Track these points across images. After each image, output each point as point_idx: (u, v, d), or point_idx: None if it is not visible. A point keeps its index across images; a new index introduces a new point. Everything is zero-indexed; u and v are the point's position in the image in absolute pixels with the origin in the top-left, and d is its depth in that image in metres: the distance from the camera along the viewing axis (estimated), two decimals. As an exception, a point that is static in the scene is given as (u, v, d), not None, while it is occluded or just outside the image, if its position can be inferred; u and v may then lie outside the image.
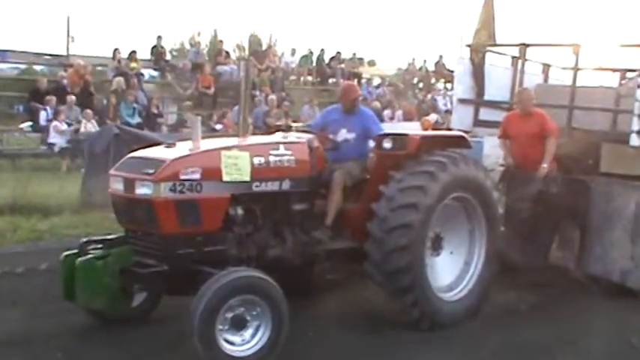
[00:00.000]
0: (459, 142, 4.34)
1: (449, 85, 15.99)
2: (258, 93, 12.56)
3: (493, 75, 6.71)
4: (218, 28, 17.78)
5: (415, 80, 16.34)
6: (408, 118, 12.18)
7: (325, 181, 4.07)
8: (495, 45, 6.89)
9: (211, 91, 12.19)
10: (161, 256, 3.50)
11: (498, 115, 6.03)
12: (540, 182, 4.83)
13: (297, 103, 14.11)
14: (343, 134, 4.37)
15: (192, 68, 12.48)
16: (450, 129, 6.23)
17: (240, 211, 3.71)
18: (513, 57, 6.84)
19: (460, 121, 6.42)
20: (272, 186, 3.82)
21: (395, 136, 4.09)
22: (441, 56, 16.85)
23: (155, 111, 10.83)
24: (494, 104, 6.58)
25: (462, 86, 6.73)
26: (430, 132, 4.88)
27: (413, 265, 3.84)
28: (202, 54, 13.92)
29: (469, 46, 6.98)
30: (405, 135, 4.09)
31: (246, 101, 4.07)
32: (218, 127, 10.81)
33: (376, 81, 16.33)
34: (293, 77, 14.78)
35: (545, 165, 4.84)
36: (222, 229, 3.64)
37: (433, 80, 16.67)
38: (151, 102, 10.89)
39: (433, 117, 12.26)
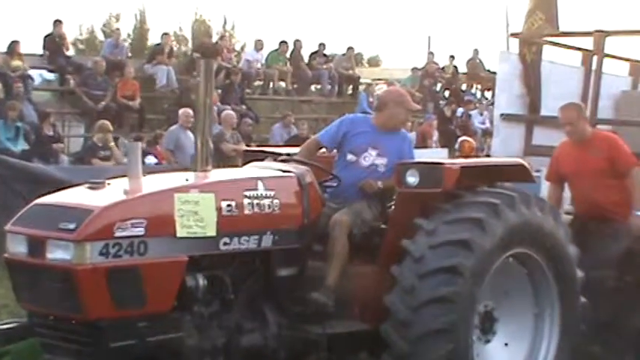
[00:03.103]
0: (517, 173, 4.45)
1: (489, 94, 16.60)
2: (205, 106, 12.78)
3: (554, 78, 7.03)
4: (146, 8, 18.12)
5: (438, 86, 16.77)
6: (422, 142, 12.47)
7: (322, 232, 4.20)
8: (558, 34, 7.20)
9: (136, 102, 12.37)
10: (86, 352, 3.56)
11: (560, 139, 6.18)
12: (628, 238, 4.91)
13: (264, 120, 14.41)
14: (371, 157, 4.50)
15: (108, 69, 12.61)
16: (488, 157, 6.43)
17: (202, 282, 3.81)
18: (585, 51, 7.17)
19: (504, 146, 6.63)
20: (247, 243, 3.94)
21: (423, 167, 4.21)
22: (476, 51, 17.29)
23: (50, 133, 10.81)
24: (554, 122, 6.65)
25: (508, 95, 6.99)
26: (474, 160, 5.02)
27: (453, 357, 3.91)
28: (123, 47, 14.08)
29: (517, 35, 7.26)
30: (438, 165, 4.22)
31: (206, 116, 4.14)
32: (148, 159, 10.89)
33: (380, 88, 16.90)
34: (258, 83, 15.06)
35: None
36: (177, 309, 3.73)
37: (465, 86, 17.23)
38: (44, 119, 10.88)
39: (461, 141, 12.62)
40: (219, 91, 12.81)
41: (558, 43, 7.29)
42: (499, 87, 7.14)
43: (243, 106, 13.15)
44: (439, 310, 3.90)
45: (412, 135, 12.91)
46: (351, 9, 35.27)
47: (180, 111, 10.87)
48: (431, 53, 17.66)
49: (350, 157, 4.52)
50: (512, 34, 7.41)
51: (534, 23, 7.16)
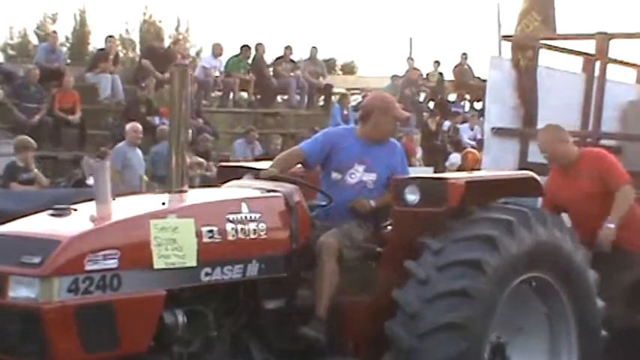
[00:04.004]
0: (526, 186, 4.55)
1: (479, 105, 16.82)
2: (157, 120, 12.87)
3: (552, 86, 7.02)
4: (87, 7, 18.06)
5: (422, 96, 17.02)
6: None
7: (312, 258, 4.29)
8: (556, 37, 7.34)
9: (76, 116, 12.39)
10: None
11: None
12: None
13: (224, 136, 14.50)
14: (358, 174, 4.60)
15: (43, 78, 12.61)
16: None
17: (181, 318, 3.89)
18: (586, 56, 7.32)
19: (496, 163, 6.62)
20: (231, 273, 4.03)
21: (424, 182, 4.31)
22: (464, 55, 17.56)
23: (-28, 152, 10.90)
24: None
25: (499, 106, 7.02)
26: (480, 174, 5.04)
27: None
28: (60, 53, 14.12)
29: (510, 38, 7.37)
30: (441, 180, 4.33)
31: (181, 129, 4.20)
32: (91, 182, 10.89)
33: (356, 98, 17.09)
34: (217, 93, 15.22)
35: (611, 225, 4.82)
36: (154, 350, 3.80)
37: (453, 96, 17.47)
38: (-35, 136, 11.01)
39: (456, 158, 12.83)
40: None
41: (556, 47, 7.34)
42: (490, 97, 7.14)
43: (200, 120, 13.24)
44: (447, 338, 3.94)
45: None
46: (321, 8, 35.53)
47: (128, 126, 10.95)
48: (412, 59, 17.90)
49: (335, 175, 4.62)
50: (505, 37, 7.50)
51: (529, 25, 7.23)
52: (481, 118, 15.83)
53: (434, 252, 4.13)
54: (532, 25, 7.25)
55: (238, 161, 6.19)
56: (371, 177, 4.59)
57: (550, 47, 7.29)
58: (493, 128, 6.89)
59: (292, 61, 15.90)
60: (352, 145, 4.64)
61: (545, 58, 7.20)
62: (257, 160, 10.81)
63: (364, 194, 4.56)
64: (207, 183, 10.63)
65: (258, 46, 15.36)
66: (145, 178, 11.10)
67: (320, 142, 4.69)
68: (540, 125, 6.90)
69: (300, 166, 4.74)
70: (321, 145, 4.66)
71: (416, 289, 4.08)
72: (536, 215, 4.34)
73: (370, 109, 4.68)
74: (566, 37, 7.40)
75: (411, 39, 19.61)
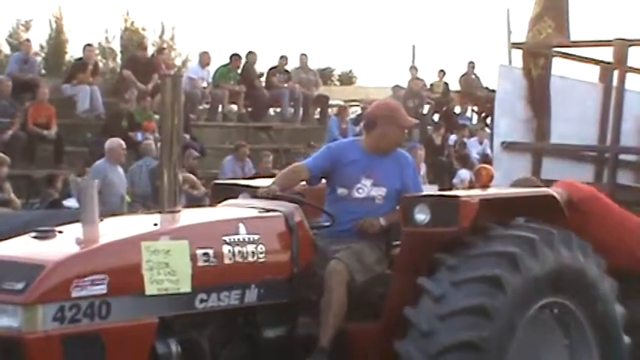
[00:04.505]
0: (546, 206, 4.56)
1: (488, 118, 16.82)
2: (139, 135, 12.90)
3: (566, 97, 7.08)
4: (63, 13, 18.10)
5: (426, 108, 17.06)
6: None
7: (314, 282, 4.32)
8: (570, 44, 7.37)
9: (52, 131, 12.40)
10: None
11: (576, 171, 6.32)
12: None
13: (212, 152, 14.54)
14: (366, 188, 4.64)
15: (16, 90, 12.63)
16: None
17: (175, 348, 3.92)
18: (603, 64, 7.36)
19: (507, 181, 6.50)
20: (228, 299, 4.07)
21: (435, 201, 4.33)
22: (471, 64, 17.65)
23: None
24: (568, 151, 6.91)
25: (510, 119, 7.08)
26: (495, 191, 5.07)
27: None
28: (34, 63, 14.14)
29: (520, 45, 7.42)
30: (453, 198, 4.36)
31: (174, 144, 4.26)
32: (69, 202, 10.90)
33: (354, 110, 17.13)
34: (204, 106, 15.24)
35: None
36: (146, 382, 3.81)
37: (458, 109, 17.51)
38: None
39: (465, 174, 12.85)
40: (156, 116, 12.95)
41: (571, 55, 7.41)
42: (499, 109, 7.22)
43: (186, 135, 13.26)
44: (462, 358, 3.99)
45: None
46: (316, 14, 35.64)
47: (108, 142, 10.98)
48: (415, 67, 17.96)
49: (341, 190, 4.66)
50: (515, 45, 7.57)
51: (542, 31, 7.26)
52: (490, 131, 15.94)
53: (449, 268, 4.18)
54: (545, 31, 7.30)
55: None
56: (380, 191, 4.64)
57: (564, 55, 7.35)
58: (503, 142, 6.99)
59: (287, 71, 15.97)
60: (358, 158, 4.69)
61: (558, 66, 7.27)
62: (250, 178, 10.88)
63: (373, 210, 4.60)
64: (194, 203, 10.70)
65: (250, 54, 15.46)
66: (128, 198, 11.12)
67: (324, 156, 4.74)
68: (554, 139, 6.99)
69: (302, 183, 4.78)
70: (326, 159, 4.72)
71: (430, 306, 4.11)
72: (561, 236, 4.39)
73: (374, 119, 4.74)
74: (581, 44, 7.46)
75: (413, 46, 19.79)
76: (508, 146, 6.95)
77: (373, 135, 4.71)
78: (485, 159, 14.27)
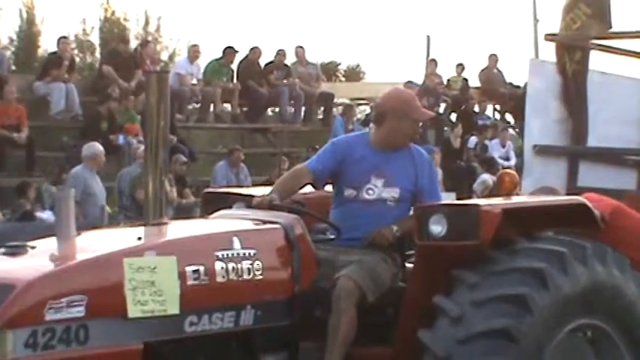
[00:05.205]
0: (576, 216, 4.55)
1: (511, 117, 16.75)
2: (121, 138, 12.94)
3: (605, 95, 7.14)
4: (35, 1, 18.06)
5: (441, 107, 17.05)
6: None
7: (318, 301, 4.33)
8: (610, 35, 7.31)
9: (22, 135, 12.44)
10: None
11: (617, 178, 6.37)
12: None
13: (203, 157, 14.59)
14: (377, 189, 4.64)
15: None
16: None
17: (161, 377, 3.93)
18: None
19: (537, 187, 6.49)
20: (221, 322, 4.07)
21: (452, 211, 4.33)
22: (493, 57, 17.68)
23: None
24: (608, 156, 6.92)
25: (542, 120, 7.07)
26: (520, 199, 5.06)
27: None
28: (2, 58, 14.07)
29: (553, 37, 7.38)
30: (473, 207, 4.34)
31: (160, 148, 4.26)
32: (43, 214, 10.93)
33: (362, 109, 17.17)
34: (193, 105, 15.31)
35: None
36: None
37: (477, 107, 17.45)
38: None
39: (486, 179, 12.81)
40: (139, 117, 13.01)
41: (610, 48, 7.40)
42: (530, 109, 7.24)
43: (174, 138, 13.31)
44: None
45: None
46: (319, 2, 35.63)
47: (86, 146, 11.04)
48: (433, 60, 17.93)
49: (349, 192, 4.68)
50: (548, 36, 7.54)
51: (576, 20, 7.25)
52: (513, 133, 15.95)
53: (470, 285, 4.19)
54: (579, 19, 7.29)
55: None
56: (392, 192, 4.65)
57: (603, 48, 7.33)
58: (535, 146, 7.04)
59: (286, 65, 16.01)
60: (367, 155, 4.69)
61: (597, 60, 7.32)
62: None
63: (385, 214, 4.59)
64: (183, 214, 10.73)
65: (253, 49, 15.39)
66: (108, 208, 11.16)
67: (329, 154, 4.74)
68: (592, 142, 6.96)
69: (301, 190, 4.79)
70: (331, 157, 4.72)
71: (447, 328, 4.12)
72: (594, 249, 4.39)
73: (384, 111, 4.74)
74: (623, 35, 7.44)
75: (428, 37, 19.75)
76: (541, 149, 7.00)
77: (383, 129, 4.73)
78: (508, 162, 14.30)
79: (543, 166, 6.96)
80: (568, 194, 6.31)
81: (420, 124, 4.91)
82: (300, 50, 16.45)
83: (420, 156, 4.78)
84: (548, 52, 7.43)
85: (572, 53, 7.09)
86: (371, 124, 15.40)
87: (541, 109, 7.11)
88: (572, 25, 7.30)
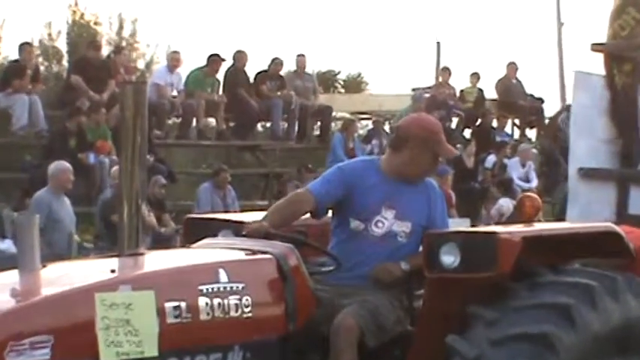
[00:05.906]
0: (606, 245, 4.60)
1: (532, 133, 16.66)
2: (92, 157, 12.96)
3: None
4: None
5: (453, 122, 17.11)
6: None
7: (316, 342, 4.34)
8: None
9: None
10: None
11: None
12: None
13: (184, 178, 14.59)
14: (387, 222, 4.67)
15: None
16: None
17: None
18: None
19: (586, 216, 6.78)
20: None
21: (466, 239, 4.39)
22: (512, 66, 17.72)
23: None
24: None
25: (588, 140, 7.03)
26: (542, 226, 5.12)
27: None
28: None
29: (600, 47, 7.28)
30: (489, 235, 4.38)
31: (135, 168, 4.28)
32: (3, 244, 10.93)
33: (364, 125, 17.11)
34: (174, 120, 15.38)
35: None
36: None
37: (495, 122, 17.40)
38: None
39: (506, 204, 12.80)
40: (111, 133, 13.04)
41: None
42: (575, 128, 7.25)
43: (151, 157, 13.34)
44: None
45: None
46: (316, 6, 35.76)
47: (52, 166, 11.05)
48: (446, 69, 18.00)
49: (355, 224, 4.70)
50: (595, 46, 7.49)
51: (624, 26, 7.25)
52: (534, 150, 15.96)
53: (487, 323, 4.21)
54: (628, 25, 7.30)
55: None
56: (404, 227, 4.69)
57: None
58: (581, 169, 7.05)
59: (280, 76, 16.07)
60: (378, 183, 4.73)
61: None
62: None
63: (394, 250, 4.62)
64: (161, 243, 10.73)
65: (237, 54, 15.47)
66: (77, 237, 11.17)
67: (336, 180, 4.77)
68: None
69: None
70: (339, 184, 4.75)
71: None
72: (626, 282, 4.43)
73: (406, 137, 4.78)
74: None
75: (438, 43, 19.91)
76: (586, 174, 7.02)
77: (400, 156, 4.76)
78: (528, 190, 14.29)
79: (590, 192, 7.04)
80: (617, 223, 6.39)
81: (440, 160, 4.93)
82: (301, 59, 16.59)
83: (433, 189, 4.85)
84: (576, 60, 7.43)
85: (622, 64, 7.11)
86: (373, 141, 15.70)
87: (587, 128, 7.14)
88: (620, 32, 7.32)
